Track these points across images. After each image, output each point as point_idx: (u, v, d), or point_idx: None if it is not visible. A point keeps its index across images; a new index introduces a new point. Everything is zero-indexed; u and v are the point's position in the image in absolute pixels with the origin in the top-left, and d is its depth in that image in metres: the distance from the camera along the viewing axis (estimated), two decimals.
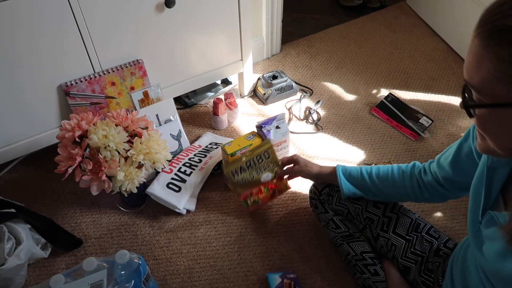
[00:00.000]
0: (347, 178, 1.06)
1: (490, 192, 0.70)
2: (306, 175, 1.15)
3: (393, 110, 1.61)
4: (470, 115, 0.57)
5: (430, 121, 1.55)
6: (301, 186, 1.36)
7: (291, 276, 1.11)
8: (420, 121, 1.56)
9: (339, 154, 1.47)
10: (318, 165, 1.16)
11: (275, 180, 1.24)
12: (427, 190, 0.96)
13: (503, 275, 0.63)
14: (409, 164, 1.01)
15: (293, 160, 1.19)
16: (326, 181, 1.13)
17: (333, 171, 1.08)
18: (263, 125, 1.30)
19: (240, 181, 1.18)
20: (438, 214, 1.28)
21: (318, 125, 1.58)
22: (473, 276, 0.77)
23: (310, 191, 1.19)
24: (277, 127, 1.32)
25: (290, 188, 1.29)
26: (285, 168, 1.23)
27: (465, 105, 0.57)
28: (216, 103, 1.49)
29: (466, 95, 0.57)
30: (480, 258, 0.70)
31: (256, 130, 1.34)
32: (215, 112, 1.51)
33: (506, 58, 0.49)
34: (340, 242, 1.10)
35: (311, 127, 1.58)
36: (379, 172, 1.02)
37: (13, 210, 1.12)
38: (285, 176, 1.25)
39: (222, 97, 1.54)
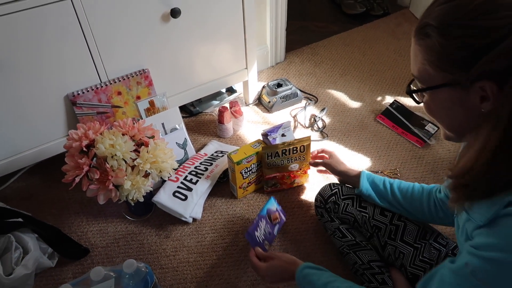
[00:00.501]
0: (370, 183, 1.08)
1: None
2: (332, 169, 1.22)
3: (398, 117, 1.61)
4: (417, 102, 0.70)
5: (436, 128, 1.55)
6: (307, 194, 1.36)
7: (282, 217, 1.24)
8: (425, 128, 1.55)
9: (345, 161, 1.47)
10: (347, 165, 1.21)
11: (299, 172, 1.33)
12: (441, 209, 0.96)
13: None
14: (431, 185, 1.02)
15: (329, 152, 1.28)
16: (347, 182, 1.17)
17: (357, 175, 1.12)
18: (268, 133, 1.30)
19: (271, 164, 1.27)
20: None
21: (324, 133, 1.58)
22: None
23: (316, 199, 1.19)
24: (283, 135, 1.32)
25: (307, 182, 1.39)
26: (318, 155, 1.31)
27: (407, 91, 0.69)
28: (221, 112, 1.49)
29: (412, 86, 0.68)
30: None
31: (261, 138, 1.34)
32: (220, 120, 1.52)
33: (428, 48, 0.61)
34: (346, 251, 1.09)
35: (316, 135, 1.58)
36: (400, 185, 1.04)
37: (20, 219, 1.13)
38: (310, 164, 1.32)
39: (227, 105, 1.54)
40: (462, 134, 0.68)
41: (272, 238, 1.18)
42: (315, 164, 1.30)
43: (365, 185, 1.08)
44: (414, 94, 0.69)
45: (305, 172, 1.34)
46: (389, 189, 1.05)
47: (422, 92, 0.67)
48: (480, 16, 0.55)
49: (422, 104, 0.69)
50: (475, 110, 0.60)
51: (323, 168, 1.27)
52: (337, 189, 1.14)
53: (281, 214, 1.24)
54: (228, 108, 1.53)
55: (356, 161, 1.47)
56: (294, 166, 1.30)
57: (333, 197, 1.13)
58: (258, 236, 1.11)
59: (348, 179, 1.16)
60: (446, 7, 0.59)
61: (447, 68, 0.60)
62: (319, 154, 1.32)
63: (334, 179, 1.39)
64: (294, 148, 1.26)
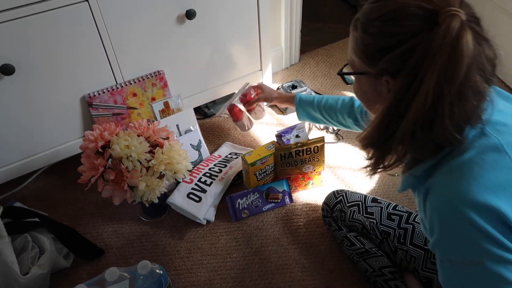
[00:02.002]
0: (302, 102, 1.26)
1: None
2: (268, 99, 1.36)
3: None
4: (346, 83, 0.82)
5: None
6: (321, 196, 1.34)
7: (286, 199, 1.31)
8: None
9: (361, 164, 1.45)
10: (277, 91, 1.38)
11: (313, 173, 1.32)
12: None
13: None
14: (347, 97, 1.18)
15: (258, 86, 1.39)
16: (285, 101, 1.34)
17: (291, 95, 1.31)
18: (283, 134, 1.29)
19: (284, 164, 1.28)
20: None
21: (339, 135, 1.56)
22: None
23: (322, 208, 1.18)
24: (297, 136, 1.31)
25: (323, 185, 1.37)
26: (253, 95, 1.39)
27: (339, 73, 0.77)
28: (230, 110, 1.44)
29: (345, 69, 0.76)
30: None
31: (276, 140, 1.33)
32: (234, 119, 1.48)
33: (355, 38, 0.69)
34: (356, 259, 1.07)
35: (331, 137, 1.56)
36: (327, 101, 1.21)
37: (37, 219, 1.14)
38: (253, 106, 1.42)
39: (236, 103, 1.48)
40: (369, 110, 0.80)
41: (257, 211, 1.28)
42: (251, 104, 1.39)
43: (300, 112, 1.27)
44: (344, 76, 0.80)
45: (319, 174, 1.33)
46: (316, 106, 1.22)
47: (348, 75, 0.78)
48: (389, 20, 0.62)
49: None
50: (381, 93, 0.69)
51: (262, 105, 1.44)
52: (341, 197, 1.13)
53: (286, 196, 1.27)
54: (236, 105, 1.45)
55: None
56: (308, 167, 1.28)
57: (339, 205, 1.11)
58: (240, 203, 1.25)
59: (284, 99, 1.34)
60: (371, 7, 0.66)
61: (364, 60, 0.68)
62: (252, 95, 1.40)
63: (348, 181, 1.38)
64: (308, 149, 1.24)
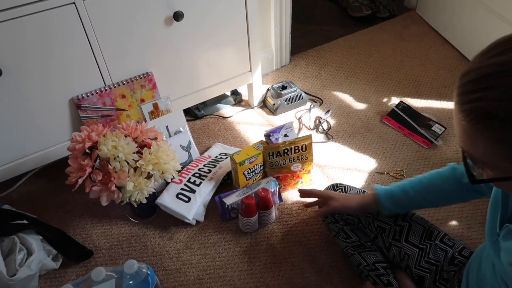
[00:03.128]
0: (392, 203, 0.98)
1: (507, 203, 0.68)
2: (347, 210, 1.08)
3: (404, 118, 1.59)
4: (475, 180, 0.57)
5: (443, 129, 1.52)
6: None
7: (275, 199, 1.28)
8: (432, 128, 1.53)
9: (350, 163, 1.46)
10: (356, 196, 1.08)
11: (302, 172, 1.32)
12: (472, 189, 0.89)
13: None
14: (446, 168, 0.94)
15: (327, 196, 1.11)
16: (370, 211, 1.06)
17: (374, 199, 1.00)
18: (271, 134, 1.30)
19: (273, 164, 1.28)
20: (454, 222, 1.24)
21: (329, 134, 1.57)
22: (489, 285, 0.74)
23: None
24: (286, 135, 1.31)
25: (312, 184, 1.37)
26: (313, 201, 1.20)
27: (473, 181, 0.56)
28: (244, 203, 1.19)
29: (469, 161, 0.57)
30: (500, 268, 0.67)
31: (264, 139, 1.34)
32: (242, 213, 1.21)
33: (498, 139, 0.48)
34: (351, 252, 1.07)
35: (321, 137, 1.57)
36: (422, 184, 0.96)
37: (25, 221, 1.14)
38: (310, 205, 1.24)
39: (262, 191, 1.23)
40: None
41: None
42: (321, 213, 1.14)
43: (388, 210, 1.00)
44: (469, 179, 0.58)
45: (308, 172, 1.33)
46: (413, 195, 0.96)
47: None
48: None
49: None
50: None
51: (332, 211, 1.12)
52: (340, 190, 1.13)
53: (275, 196, 1.27)
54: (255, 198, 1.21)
55: (361, 162, 1.46)
56: (297, 166, 1.29)
57: None
58: (227, 203, 1.24)
59: (369, 209, 1.05)
60: None
61: None
62: (312, 200, 1.22)
63: (337, 179, 1.38)
64: (296, 148, 1.25)
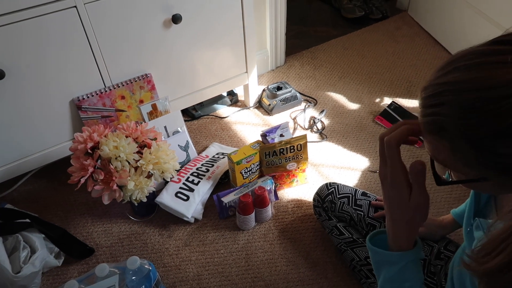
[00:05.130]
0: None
1: (479, 198, 0.73)
2: (434, 235, 1.04)
3: (396, 118, 1.64)
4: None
5: None
6: (306, 193, 1.39)
7: (271, 197, 1.31)
8: None
9: (344, 162, 1.50)
10: (436, 220, 1.05)
11: (298, 171, 1.36)
12: None
13: None
14: None
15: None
16: (449, 227, 1.04)
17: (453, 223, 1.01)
18: (267, 134, 1.34)
19: (269, 163, 1.32)
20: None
21: (323, 134, 1.61)
22: (468, 276, 0.79)
23: (314, 199, 1.22)
24: (281, 135, 1.35)
25: (307, 182, 1.40)
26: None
27: (438, 182, 0.61)
28: (242, 201, 1.23)
29: (431, 162, 0.61)
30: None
31: (261, 139, 1.38)
32: (240, 211, 1.25)
33: (452, 148, 0.53)
34: (344, 248, 1.12)
35: (315, 136, 1.61)
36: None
37: (28, 220, 1.17)
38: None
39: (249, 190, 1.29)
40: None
41: None
42: None
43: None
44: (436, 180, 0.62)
45: (304, 171, 1.37)
46: None
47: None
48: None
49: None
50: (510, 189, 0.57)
51: None
52: (333, 188, 1.17)
53: (271, 194, 1.31)
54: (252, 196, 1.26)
55: (355, 161, 1.50)
56: (292, 165, 1.33)
57: (330, 196, 1.16)
58: (225, 201, 1.27)
59: (444, 230, 1.03)
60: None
61: (478, 169, 0.53)
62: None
63: (331, 178, 1.43)
64: (291, 147, 1.29)
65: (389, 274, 0.68)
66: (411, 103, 1.74)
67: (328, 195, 1.17)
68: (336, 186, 1.18)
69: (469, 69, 0.50)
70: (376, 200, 1.14)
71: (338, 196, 1.15)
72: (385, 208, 0.67)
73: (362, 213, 1.11)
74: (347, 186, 1.18)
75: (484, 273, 0.51)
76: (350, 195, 1.15)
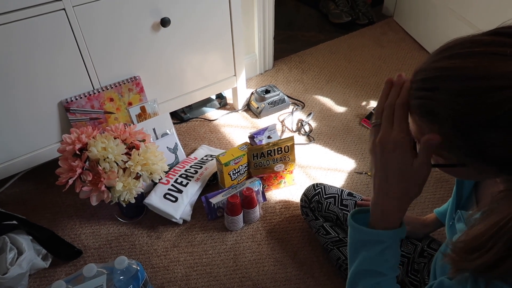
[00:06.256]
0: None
1: (461, 192, 0.76)
2: (418, 233, 1.06)
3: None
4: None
5: None
6: (294, 194, 1.41)
7: (259, 198, 1.33)
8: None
9: (331, 163, 1.52)
10: (417, 218, 1.08)
11: (285, 172, 1.38)
12: None
13: None
14: None
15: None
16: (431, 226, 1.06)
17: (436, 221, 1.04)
18: (255, 136, 1.36)
19: (257, 164, 1.34)
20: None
21: (310, 136, 1.63)
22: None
23: (301, 199, 1.24)
24: (269, 137, 1.37)
25: (295, 184, 1.41)
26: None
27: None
28: (230, 202, 1.25)
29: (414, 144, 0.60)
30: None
31: (249, 141, 1.39)
32: (228, 211, 1.26)
33: (441, 134, 0.53)
34: (330, 247, 1.14)
35: (303, 139, 1.63)
36: None
37: (15, 222, 1.16)
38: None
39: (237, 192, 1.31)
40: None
41: None
42: None
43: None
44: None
45: (291, 172, 1.39)
46: None
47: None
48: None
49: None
50: (489, 175, 0.60)
51: None
52: (320, 189, 1.19)
53: (259, 195, 1.33)
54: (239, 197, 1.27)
55: (341, 163, 1.52)
56: (280, 166, 1.35)
57: (317, 196, 1.18)
58: (213, 202, 1.28)
59: (427, 229, 1.06)
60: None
61: (460, 155, 0.55)
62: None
63: (319, 179, 1.45)
64: (279, 149, 1.31)
65: (369, 254, 0.65)
66: None
67: (315, 195, 1.19)
68: (322, 186, 1.20)
69: (467, 56, 0.50)
70: (361, 200, 1.16)
71: (324, 197, 1.17)
72: (376, 182, 0.63)
73: (348, 213, 1.13)
74: (334, 187, 1.20)
75: (473, 269, 0.52)
76: (337, 195, 1.17)
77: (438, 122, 0.53)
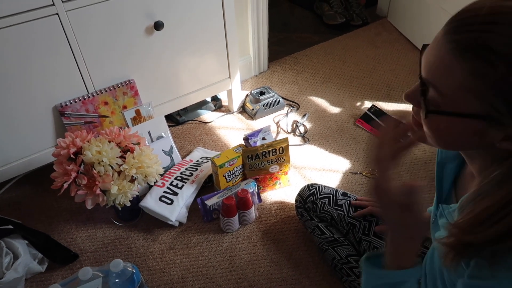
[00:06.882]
0: None
1: (441, 187, 0.76)
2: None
3: (376, 120, 1.68)
4: (424, 111, 0.55)
5: None
6: (289, 195, 1.41)
7: (255, 199, 1.34)
8: None
9: (326, 164, 1.53)
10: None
11: (280, 173, 1.39)
12: None
13: None
14: None
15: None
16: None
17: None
18: (249, 137, 1.36)
19: (252, 166, 1.34)
20: None
21: (305, 137, 1.64)
22: (438, 267, 0.82)
23: (296, 200, 1.25)
24: (263, 138, 1.38)
25: (290, 185, 1.43)
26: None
27: (428, 110, 0.55)
28: (225, 204, 1.25)
29: (422, 90, 0.55)
30: (436, 246, 0.75)
31: (243, 143, 1.40)
32: (224, 213, 1.27)
33: (480, 75, 0.48)
34: (325, 247, 1.14)
35: (298, 140, 1.64)
36: None
37: (10, 226, 1.17)
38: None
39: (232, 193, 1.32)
40: (455, 151, 0.65)
41: None
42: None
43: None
44: (425, 107, 0.55)
45: (286, 173, 1.39)
46: None
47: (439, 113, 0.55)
48: None
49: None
50: (490, 141, 0.54)
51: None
52: (314, 189, 1.20)
53: (254, 197, 1.34)
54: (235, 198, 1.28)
55: (336, 163, 1.53)
56: (275, 167, 1.35)
57: (311, 197, 1.19)
58: (209, 204, 1.29)
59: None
60: None
61: (493, 102, 0.49)
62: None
63: (314, 180, 1.46)
64: (274, 150, 1.31)
65: None
66: (391, 106, 1.79)
67: (310, 195, 1.19)
68: (317, 186, 1.21)
69: None
70: (356, 200, 1.17)
71: (319, 197, 1.18)
72: (391, 228, 0.66)
73: (343, 213, 1.13)
74: (328, 187, 1.21)
75: (483, 241, 0.51)
76: (331, 195, 1.18)
77: (487, 59, 0.47)
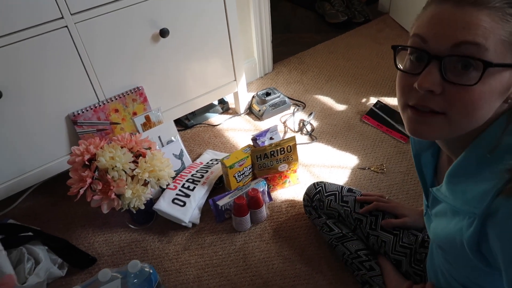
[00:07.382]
0: None
1: (424, 177, 0.78)
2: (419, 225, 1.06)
3: (382, 116, 1.70)
4: (469, 84, 0.54)
5: None
6: (298, 193, 1.43)
7: (265, 198, 1.36)
8: None
9: (334, 161, 1.55)
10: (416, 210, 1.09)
11: (289, 171, 1.41)
12: None
13: (452, 243, 0.65)
14: None
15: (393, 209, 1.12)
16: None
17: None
18: (257, 137, 1.39)
19: (261, 165, 1.37)
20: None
21: (312, 136, 1.66)
22: (437, 260, 0.83)
23: (303, 199, 1.27)
24: (271, 138, 1.41)
25: (299, 183, 1.45)
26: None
27: (486, 63, 0.53)
28: (236, 203, 1.28)
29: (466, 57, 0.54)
30: (433, 238, 0.76)
31: (252, 143, 1.43)
32: (236, 212, 1.29)
33: None
34: (335, 243, 1.16)
35: (305, 138, 1.66)
36: None
37: (30, 233, 1.21)
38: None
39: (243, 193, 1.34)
40: (466, 131, 0.60)
41: None
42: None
43: None
44: (471, 71, 0.54)
45: (295, 172, 1.42)
46: None
47: (484, 72, 0.53)
48: None
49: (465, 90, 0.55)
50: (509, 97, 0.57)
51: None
52: (320, 187, 1.22)
53: (265, 195, 1.36)
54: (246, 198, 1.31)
55: (344, 160, 1.55)
56: (283, 166, 1.38)
57: (318, 195, 1.21)
58: (220, 205, 1.31)
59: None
60: None
61: None
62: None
63: (322, 177, 1.48)
64: (282, 149, 1.34)
65: None
66: (396, 101, 1.79)
67: (316, 194, 1.21)
68: (323, 184, 1.23)
69: None
70: (361, 195, 1.18)
71: (325, 194, 1.20)
72: None
73: (349, 209, 1.15)
74: (334, 184, 1.23)
75: None
76: (337, 192, 1.20)
77: None
